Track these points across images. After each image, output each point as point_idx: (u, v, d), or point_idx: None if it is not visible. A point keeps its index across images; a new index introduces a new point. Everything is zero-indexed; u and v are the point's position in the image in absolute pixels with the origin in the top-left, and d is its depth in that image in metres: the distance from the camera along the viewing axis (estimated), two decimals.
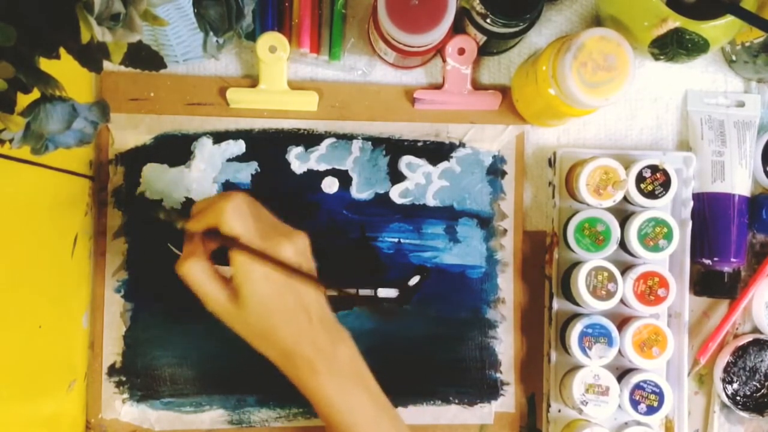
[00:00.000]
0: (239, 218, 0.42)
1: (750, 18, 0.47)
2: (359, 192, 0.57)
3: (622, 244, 0.56)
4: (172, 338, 0.55)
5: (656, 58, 0.53)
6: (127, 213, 0.55)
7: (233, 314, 0.43)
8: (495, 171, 0.58)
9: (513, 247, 0.58)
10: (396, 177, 0.57)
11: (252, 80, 0.56)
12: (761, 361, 0.58)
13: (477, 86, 0.58)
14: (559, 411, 0.57)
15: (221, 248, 0.44)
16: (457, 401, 0.57)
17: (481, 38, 0.54)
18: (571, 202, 0.58)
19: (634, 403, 0.54)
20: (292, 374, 0.44)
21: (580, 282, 0.54)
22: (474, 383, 0.57)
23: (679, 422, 0.57)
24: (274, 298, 0.42)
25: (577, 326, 0.54)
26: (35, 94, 0.33)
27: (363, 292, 0.56)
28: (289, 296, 0.43)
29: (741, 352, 0.58)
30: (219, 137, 0.56)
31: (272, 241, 0.42)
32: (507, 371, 0.57)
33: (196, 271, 0.43)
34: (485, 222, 0.57)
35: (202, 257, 0.43)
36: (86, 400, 0.54)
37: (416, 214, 0.57)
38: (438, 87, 0.57)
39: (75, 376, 0.53)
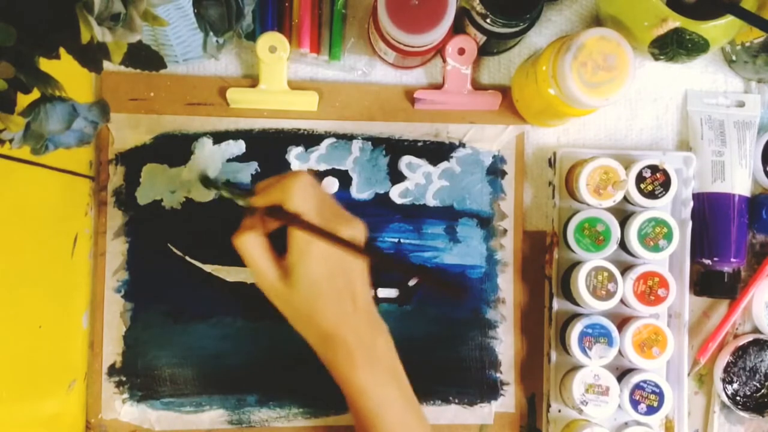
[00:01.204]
0: (304, 197, 0.42)
1: (750, 18, 0.47)
2: (359, 192, 0.57)
3: (622, 244, 0.56)
4: (172, 338, 0.55)
5: (656, 58, 0.53)
6: (128, 213, 0.55)
7: (281, 292, 0.44)
8: (495, 171, 0.58)
9: (513, 247, 0.58)
10: (396, 177, 0.57)
11: (252, 80, 0.56)
12: (761, 361, 0.58)
13: (477, 86, 0.58)
14: (559, 411, 0.57)
15: (279, 231, 0.44)
16: (457, 401, 0.57)
17: (481, 38, 0.54)
18: (571, 202, 0.58)
19: (634, 403, 0.54)
20: (329, 360, 0.45)
21: (580, 282, 0.54)
22: (474, 383, 0.57)
23: (679, 422, 0.57)
24: (326, 281, 0.43)
25: (577, 326, 0.54)
26: (35, 94, 0.33)
27: None
28: (340, 281, 0.43)
29: (741, 352, 0.58)
30: (219, 137, 0.56)
31: (332, 222, 0.43)
32: (507, 371, 0.57)
33: (252, 245, 0.43)
34: (485, 222, 0.57)
35: (259, 232, 0.44)
36: (86, 400, 0.54)
37: (416, 214, 0.57)
38: (438, 87, 0.57)
39: (75, 376, 0.53)
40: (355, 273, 0.44)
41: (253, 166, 0.56)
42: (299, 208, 0.42)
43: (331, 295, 0.43)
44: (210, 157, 0.56)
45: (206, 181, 0.54)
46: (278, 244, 0.44)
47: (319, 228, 0.42)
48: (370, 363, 0.44)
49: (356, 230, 0.44)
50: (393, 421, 0.44)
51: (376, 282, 0.56)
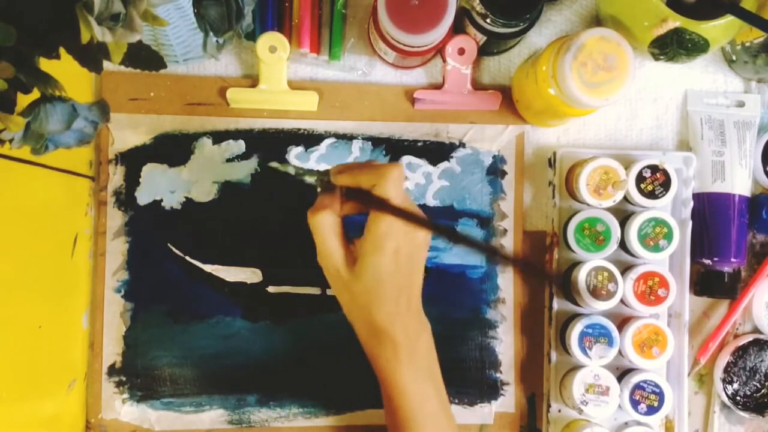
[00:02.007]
0: (398, 186, 0.42)
1: (750, 18, 0.47)
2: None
3: (622, 244, 0.56)
4: (172, 338, 0.55)
5: (656, 58, 0.53)
6: (128, 213, 0.55)
7: (342, 278, 0.44)
8: (495, 171, 0.58)
9: (513, 247, 0.58)
10: None
11: (252, 80, 0.56)
12: (761, 361, 0.58)
13: (477, 86, 0.58)
14: (559, 411, 0.57)
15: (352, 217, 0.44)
16: (457, 401, 0.57)
17: (481, 38, 0.54)
18: (571, 202, 0.58)
19: (634, 403, 0.54)
20: (375, 352, 0.45)
21: (580, 282, 0.54)
22: (474, 383, 0.57)
23: (679, 422, 0.57)
24: (391, 274, 0.43)
25: (577, 326, 0.54)
26: (35, 94, 0.33)
27: None
28: (404, 278, 0.43)
29: (741, 352, 0.58)
30: (219, 137, 0.56)
31: (410, 208, 0.43)
32: (507, 371, 0.57)
33: (325, 224, 0.43)
34: (485, 222, 0.57)
35: (336, 211, 0.44)
36: (86, 400, 0.54)
37: None
38: (438, 87, 0.57)
39: (75, 376, 0.53)
40: (417, 270, 0.45)
41: (253, 166, 0.56)
42: (390, 194, 0.42)
43: (391, 291, 0.43)
44: (210, 157, 0.56)
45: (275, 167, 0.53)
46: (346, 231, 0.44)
47: (407, 211, 0.41)
48: (412, 361, 0.44)
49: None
50: (426, 419, 0.45)
51: None
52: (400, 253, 0.42)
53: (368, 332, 0.45)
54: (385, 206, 0.42)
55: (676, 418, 0.57)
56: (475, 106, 0.57)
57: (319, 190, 0.45)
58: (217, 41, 0.49)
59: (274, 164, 0.46)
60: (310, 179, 0.45)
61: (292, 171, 0.45)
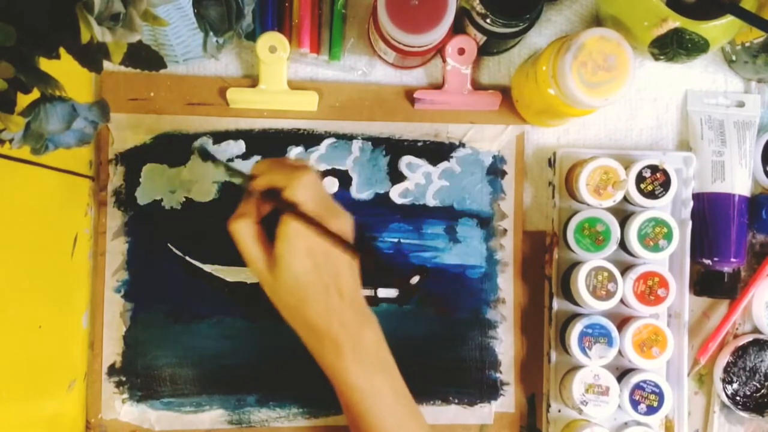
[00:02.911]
0: (308, 190, 0.42)
1: (750, 18, 0.47)
2: (359, 192, 0.57)
3: (622, 244, 0.56)
4: (172, 338, 0.55)
5: (656, 58, 0.53)
6: (128, 213, 0.55)
7: (269, 282, 0.44)
8: (495, 171, 0.58)
9: (513, 247, 0.58)
10: (396, 177, 0.57)
11: (252, 80, 0.56)
12: (761, 361, 0.58)
13: (477, 86, 0.58)
14: (559, 411, 0.57)
15: (274, 219, 0.44)
16: (457, 401, 0.57)
17: (481, 38, 0.54)
18: (571, 202, 0.58)
19: (634, 403, 0.54)
20: (317, 352, 0.45)
21: (580, 282, 0.54)
22: (474, 383, 0.57)
23: (679, 422, 0.57)
24: (311, 274, 0.43)
25: (577, 326, 0.54)
26: (35, 94, 0.33)
27: (364, 292, 0.56)
28: (326, 274, 0.43)
29: (741, 352, 0.58)
30: (219, 137, 0.56)
31: (323, 214, 0.43)
32: (507, 371, 0.57)
33: (244, 231, 0.43)
34: (485, 222, 0.57)
35: (253, 218, 0.44)
36: (86, 400, 0.54)
37: (416, 214, 0.57)
38: (438, 87, 0.57)
39: (75, 376, 0.53)
40: (342, 265, 0.44)
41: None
42: (299, 198, 0.42)
43: (317, 288, 0.43)
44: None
45: (205, 154, 0.53)
46: (272, 233, 0.44)
47: (312, 219, 0.42)
48: (357, 356, 0.44)
49: (343, 222, 0.44)
50: (383, 412, 0.44)
51: (376, 282, 0.56)
52: (314, 251, 0.42)
53: (307, 334, 0.45)
54: (292, 210, 0.42)
55: (675, 418, 0.57)
56: (475, 106, 0.57)
57: (244, 194, 0.46)
58: (217, 41, 0.49)
59: (212, 157, 0.47)
60: (236, 181, 0.46)
61: (223, 170, 0.46)
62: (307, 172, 0.43)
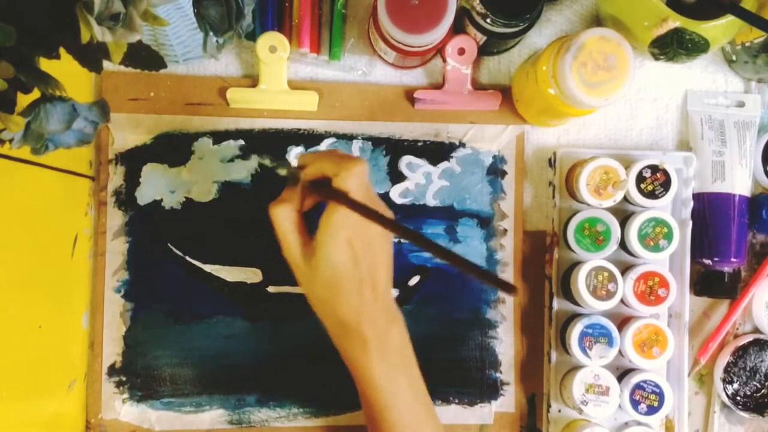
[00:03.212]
0: (359, 179, 0.42)
1: (750, 18, 0.47)
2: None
3: (622, 244, 0.56)
4: (172, 338, 0.55)
5: (656, 58, 0.53)
6: (128, 213, 0.55)
7: (304, 272, 0.43)
8: (495, 171, 0.58)
9: (513, 247, 0.58)
10: (396, 177, 0.57)
11: (252, 80, 0.56)
12: (761, 361, 0.58)
13: (477, 86, 0.58)
14: (559, 411, 0.57)
15: (316, 213, 0.43)
16: (457, 401, 0.57)
17: (481, 38, 0.54)
18: (571, 202, 0.58)
19: (635, 403, 0.54)
20: (343, 347, 0.45)
21: (580, 282, 0.54)
22: (474, 383, 0.57)
23: (680, 422, 0.57)
24: (349, 267, 0.42)
25: (578, 326, 0.54)
26: (35, 94, 0.33)
27: None
28: (364, 269, 0.43)
29: (741, 352, 0.58)
30: (219, 137, 0.56)
31: (371, 204, 0.42)
32: (507, 371, 0.57)
33: (284, 217, 0.43)
34: (485, 222, 0.57)
35: (295, 205, 0.43)
36: (86, 400, 0.54)
37: (416, 214, 0.57)
38: (438, 87, 0.57)
39: (75, 376, 0.53)
40: (379, 261, 0.44)
41: (253, 166, 0.56)
42: (350, 186, 0.41)
43: (352, 281, 0.42)
44: (210, 157, 0.56)
45: (246, 154, 0.52)
46: (312, 227, 0.44)
47: (363, 204, 0.41)
48: (383, 354, 0.44)
49: (388, 215, 0.44)
50: (402, 411, 0.44)
51: None
52: (355, 244, 0.42)
53: (335, 327, 0.44)
54: (342, 198, 0.41)
55: (676, 418, 0.57)
56: (475, 106, 0.57)
57: (288, 183, 0.45)
58: (217, 41, 0.49)
59: (265, 160, 0.46)
60: (282, 172, 0.45)
61: (267, 163, 0.45)
62: (359, 162, 0.42)
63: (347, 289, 0.42)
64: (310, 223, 0.44)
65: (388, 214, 0.45)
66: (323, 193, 0.43)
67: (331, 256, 0.42)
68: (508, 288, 0.36)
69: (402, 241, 0.57)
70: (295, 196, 0.44)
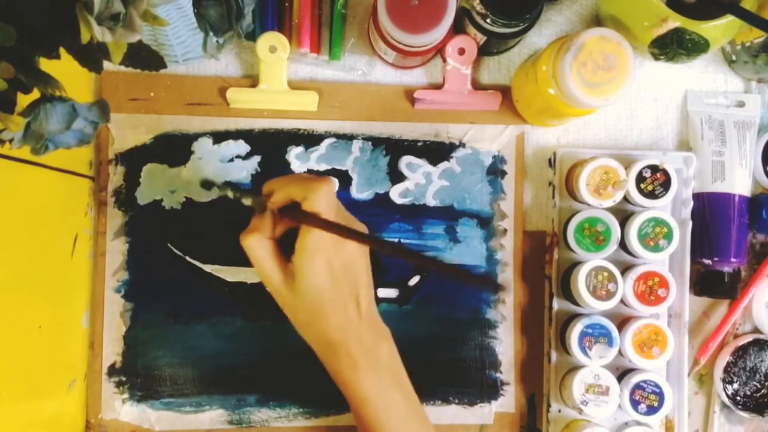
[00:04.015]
0: (328, 198, 0.42)
1: (750, 18, 0.47)
2: (359, 192, 0.57)
3: (622, 244, 0.56)
4: (172, 338, 0.55)
5: (656, 58, 0.53)
6: (128, 213, 0.55)
7: (285, 297, 0.43)
8: (495, 171, 0.58)
9: (513, 247, 0.58)
10: (396, 177, 0.57)
11: (252, 80, 0.56)
12: (761, 361, 0.58)
13: (477, 86, 0.58)
14: (559, 411, 0.57)
15: (288, 237, 0.43)
16: (457, 401, 0.57)
17: (481, 38, 0.54)
18: (571, 202, 0.58)
19: (634, 403, 0.54)
20: (332, 366, 0.45)
21: (580, 282, 0.54)
22: (474, 383, 0.57)
23: (679, 422, 0.57)
24: (329, 288, 0.42)
25: (577, 326, 0.54)
26: (35, 94, 0.33)
27: None
28: (345, 287, 0.43)
29: (741, 352, 0.58)
30: (219, 137, 0.56)
31: (343, 223, 0.43)
32: (507, 371, 0.57)
33: (258, 247, 0.43)
34: (485, 222, 0.57)
35: (267, 234, 0.43)
36: (86, 400, 0.54)
37: (416, 214, 0.57)
38: (438, 87, 0.57)
39: (75, 376, 0.53)
40: (359, 278, 0.44)
41: (253, 166, 0.56)
42: (320, 208, 0.42)
43: (335, 302, 0.43)
44: (210, 157, 0.56)
45: (206, 184, 0.53)
46: (286, 250, 0.44)
47: (337, 224, 0.41)
48: (373, 370, 0.44)
49: (361, 230, 0.45)
50: (395, 426, 0.44)
51: (376, 282, 0.56)
52: (333, 265, 0.42)
53: (323, 348, 0.44)
54: (314, 220, 0.41)
55: (676, 418, 0.57)
56: (475, 106, 0.57)
57: (256, 212, 0.45)
58: (217, 41, 0.49)
59: (215, 184, 0.46)
60: (246, 202, 0.45)
61: (230, 194, 0.45)
62: (325, 182, 0.43)
63: (331, 310, 0.43)
64: (284, 248, 0.44)
65: (361, 228, 0.45)
66: (294, 217, 0.43)
67: (311, 280, 0.42)
68: (493, 286, 0.37)
69: (402, 240, 0.57)
70: (266, 223, 0.44)
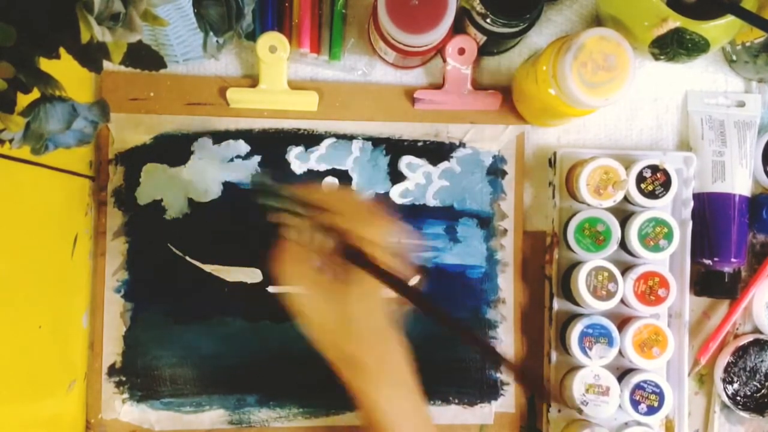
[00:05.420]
0: (385, 239, 0.40)
1: (750, 18, 0.47)
2: (359, 192, 0.57)
3: (623, 244, 0.56)
4: (172, 338, 0.55)
5: (656, 58, 0.53)
6: (128, 213, 0.55)
7: (321, 310, 0.42)
8: (495, 171, 0.58)
9: (513, 247, 0.58)
10: (396, 177, 0.57)
11: (252, 80, 0.56)
12: (761, 361, 0.58)
13: (477, 86, 0.58)
14: (559, 411, 0.57)
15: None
16: (457, 401, 0.57)
17: (481, 38, 0.54)
18: (572, 202, 0.58)
19: (635, 404, 0.54)
20: (345, 377, 0.44)
21: (581, 282, 0.53)
22: (474, 383, 0.57)
23: (680, 422, 0.57)
24: (363, 318, 0.42)
25: (578, 326, 0.54)
26: (35, 94, 0.33)
27: None
28: (367, 309, 0.42)
29: (741, 352, 0.58)
30: (219, 137, 0.56)
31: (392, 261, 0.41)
32: (507, 371, 0.57)
33: (297, 275, 0.41)
34: (485, 222, 0.57)
35: (305, 259, 0.41)
36: (86, 400, 0.54)
37: (416, 214, 0.57)
38: (438, 87, 0.57)
39: (75, 376, 0.53)
40: (376, 298, 0.43)
41: (253, 166, 0.56)
42: (376, 252, 0.40)
43: (357, 322, 0.42)
44: (210, 157, 0.56)
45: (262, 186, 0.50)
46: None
47: (382, 270, 0.39)
48: (386, 380, 0.43)
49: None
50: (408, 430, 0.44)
51: None
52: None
53: (338, 356, 0.44)
54: (369, 266, 0.39)
55: (676, 418, 0.57)
56: (475, 106, 0.57)
57: (288, 233, 0.43)
58: (217, 41, 0.49)
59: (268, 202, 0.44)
60: (290, 216, 0.42)
61: (284, 206, 0.43)
62: (382, 216, 0.41)
63: (352, 329, 0.42)
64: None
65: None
66: (358, 263, 0.41)
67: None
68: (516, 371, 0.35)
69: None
70: (303, 247, 0.42)
